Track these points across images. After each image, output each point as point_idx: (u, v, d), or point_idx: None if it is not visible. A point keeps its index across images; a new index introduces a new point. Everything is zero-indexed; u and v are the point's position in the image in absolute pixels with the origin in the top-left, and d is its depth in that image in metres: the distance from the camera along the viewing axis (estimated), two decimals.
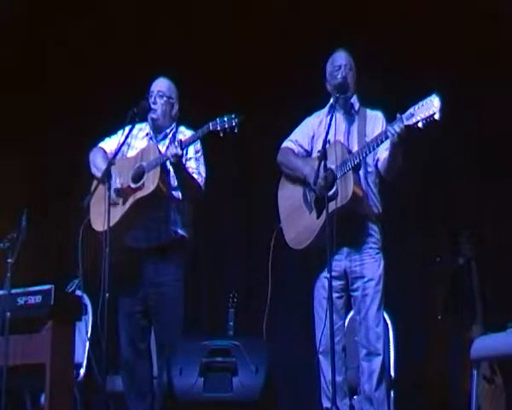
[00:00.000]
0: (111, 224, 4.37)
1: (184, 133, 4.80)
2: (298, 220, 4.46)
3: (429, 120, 4.05)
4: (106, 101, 6.25)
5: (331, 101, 4.55)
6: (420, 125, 4.08)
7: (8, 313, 4.47)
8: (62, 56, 6.48)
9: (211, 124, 4.53)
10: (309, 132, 4.60)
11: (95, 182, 4.71)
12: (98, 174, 4.64)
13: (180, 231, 4.75)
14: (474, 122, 5.66)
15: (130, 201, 4.63)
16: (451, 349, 5.31)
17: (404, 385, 5.08)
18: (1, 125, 6.21)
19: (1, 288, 4.58)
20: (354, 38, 5.37)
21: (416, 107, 4.09)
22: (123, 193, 4.63)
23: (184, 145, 4.57)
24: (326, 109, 4.59)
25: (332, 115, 4.36)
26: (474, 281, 5.26)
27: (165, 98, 4.85)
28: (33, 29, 6.46)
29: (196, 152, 4.81)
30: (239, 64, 6.22)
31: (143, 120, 4.82)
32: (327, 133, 4.29)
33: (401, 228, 5.56)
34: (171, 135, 4.85)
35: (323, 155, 4.21)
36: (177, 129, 4.87)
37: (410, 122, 4.10)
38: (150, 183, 4.60)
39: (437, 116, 4.02)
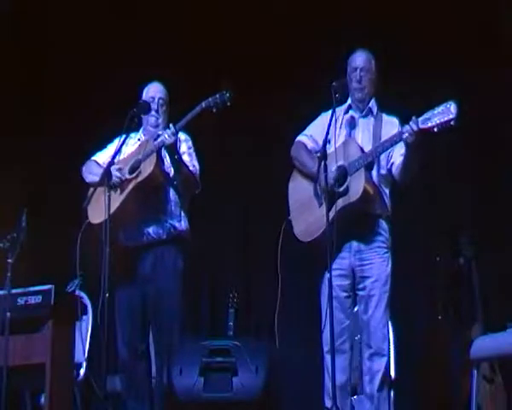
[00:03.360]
0: (110, 212, 4.39)
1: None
2: (308, 213, 4.45)
3: (445, 126, 4.07)
4: (106, 102, 6.26)
5: (349, 101, 4.54)
6: (435, 130, 4.09)
7: (9, 313, 4.46)
8: (62, 57, 6.48)
9: (203, 102, 4.60)
10: (324, 127, 4.58)
11: (91, 189, 4.70)
12: (96, 179, 4.63)
13: (178, 226, 4.76)
14: (474, 122, 5.65)
15: (130, 187, 4.65)
16: (451, 349, 5.31)
17: (404, 385, 5.08)
18: (1, 125, 6.21)
19: (1, 288, 4.58)
20: (360, 36, 5.36)
21: (434, 112, 4.10)
22: (121, 186, 4.65)
23: (179, 128, 4.60)
24: (344, 107, 4.57)
25: (332, 116, 4.34)
26: (474, 281, 5.26)
27: (165, 107, 4.87)
28: (33, 31, 6.47)
29: (189, 148, 4.83)
30: (239, 62, 6.22)
31: (139, 127, 4.84)
32: (327, 133, 4.29)
33: (401, 228, 5.54)
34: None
35: (323, 155, 4.21)
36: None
37: (426, 126, 4.11)
38: (147, 168, 4.63)
39: (453, 123, 4.04)
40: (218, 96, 4.59)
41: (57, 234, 6.21)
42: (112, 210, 4.43)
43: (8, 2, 6.29)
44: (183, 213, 4.80)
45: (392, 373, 4.81)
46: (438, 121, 4.07)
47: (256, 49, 6.20)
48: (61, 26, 6.49)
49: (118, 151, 4.61)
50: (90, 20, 6.45)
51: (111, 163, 4.52)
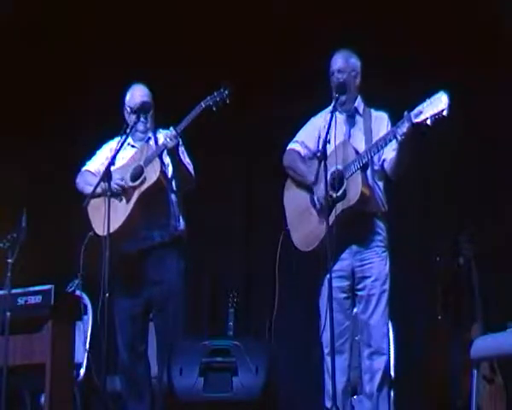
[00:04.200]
0: (117, 225, 4.43)
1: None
2: (306, 222, 4.44)
3: (438, 117, 4.06)
4: (106, 102, 6.24)
5: (333, 103, 4.54)
6: (428, 122, 4.08)
7: (8, 313, 4.47)
8: (62, 55, 6.48)
9: (202, 102, 4.58)
10: (314, 133, 4.57)
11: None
12: (98, 189, 4.61)
13: (178, 226, 4.77)
14: (474, 122, 5.65)
15: (135, 196, 4.62)
16: (451, 349, 5.31)
17: (404, 385, 5.08)
18: (1, 126, 6.21)
19: (1, 288, 4.58)
20: (361, 36, 5.36)
21: (425, 104, 4.09)
22: (125, 194, 4.63)
23: (180, 130, 4.57)
24: (329, 109, 4.56)
25: (332, 116, 4.35)
26: (474, 281, 5.26)
27: (151, 110, 4.85)
28: (33, 35, 6.47)
29: (180, 146, 4.78)
30: (241, 58, 6.22)
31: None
32: (327, 134, 4.29)
33: (401, 228, 5.55)
34: (153, 138, 4.85)
35: (323, 155, 4.21)
36: (155, 132, 4.87)
37: (419, 119, 4.10)
38: (152, 174, 4.60)
39: (445, 113, 4.03)
40: (216, 94, 4.57)
41: (57, 234, 6.22)
42: (120, 221, 4.50)
43: (10, 4, 6.29)
44: (180, 212, 4.82)
45: (392, 373, 4.81)
46: (431, 113, 4.06)
47: (256, 49, 6.21)
48: (61, 26, 6.49)
49: (118, 151, 4.59)
50: (90, 21, 6.46)
51: (111, 163, 4.51)
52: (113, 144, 4.80)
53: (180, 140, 4.74)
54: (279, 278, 4.51)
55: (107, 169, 4.44)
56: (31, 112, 6.44)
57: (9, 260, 4.58)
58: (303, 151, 4.58)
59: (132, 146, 4.85)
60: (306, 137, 4.60)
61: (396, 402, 4.80)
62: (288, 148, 4.64)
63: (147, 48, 6.33)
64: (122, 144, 4.60)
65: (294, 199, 4.55)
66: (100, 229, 4.53)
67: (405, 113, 4.16)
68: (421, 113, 4.10)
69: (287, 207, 4.58)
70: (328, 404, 4.28)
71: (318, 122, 4.59)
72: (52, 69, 6.51)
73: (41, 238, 5.81)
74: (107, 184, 4.39)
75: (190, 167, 4.80)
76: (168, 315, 4.69)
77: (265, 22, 6.21)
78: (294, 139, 4.65)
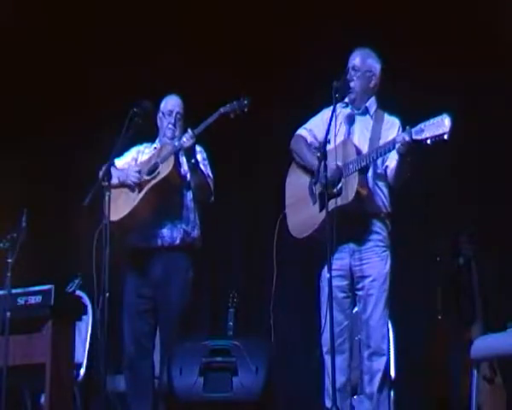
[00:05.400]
0: (126, 211, 4.59)
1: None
2: (302, 210, 4.46)
3: (438, 139, 4.05)
4: (106, 100, 6.26)
5: (347, 99, 4.54)
6: (428, 142, 4.08)
7: (9, 313, 4.47)
8: (61, 56, 6.48)
9: (222, 108, 4.67)
10: (324, 123, 4.54)
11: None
12: (116, 181, 4.70)
13: (191, 233, 4.83)
14: (474, 122, 5.65)
15: (146, 188, 4.72)
16: (451, 349, 5.31)
17: (404, 385, 5.07)
18: (1, 125, 6.21)
19: (1, 288, 4.58)
20: (360, 36, 5.35)
21: (427, 123, 4.09)
22: (139, 186, 4.74)
23: (197, 132, 4.65)
24: (341, 104, 4.55)
25: (332, 116, 4.34)
26: (474, 281, 5.26)
27: (181, 120, 4.93)
28: (33, 31, 6.47)
29: (204, 159, 4.91)
30: (249, 51, 6.22)
31: (155, 137, 4.95)
32: (327, 134, 4.30)
33: (401, 228, 5.54)
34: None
35: (323, 155, 4.21)
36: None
37: (419, 137, 4.10)
38: (164, 169, 4.71)
39: (446, 137, 4.02)
40: (235, 102, 4.67)
41: (57, 234, 6.22)
42: (129, 209, 4.63)
43: (10, 4, 6.29)
44: (197, 221, 4.87)
45: (392, 373, 4.81)
46: (431, 134, 4.05)
47: (256, 50, 6.22)
48: (61, 26, 6.49)
49: (118, 151, 4.60)
50: (92, 22, 6.46)
51: (111, 164, 4.53)
52: (140, 147, 4.98)
53: (205, 154, 4.89)
54: (277, 274, 4.51)
55: (107, 169, 4.46)
56: (31, 111, 6.44)
57: (9, 260, 4.58)
58: (309, 139, 4.59)
59: None
60: (315, 127, 4.60)
61: (396, 402, 4.79)
62: (296, 133, 4.66)
63: (146, 48, 6.33)
64: (123, 144, 4.63)
65: (295, 185, 4.57)
66: (112, 216, 4.55)
67: (407, 127, 4.17)
68: (422, 131, 4.10)
69: (287, 192, 4.60)
70: (328, 404, 4.28)
71: (329, 113, 4.56)
72: (52, 69, 6.51)
73: (41, 238, 5.81)
74: (106, 183, 4.41)
75: (209, 179, 4.86)
76: (171, 322, 4.74)
77: (266, 24, 6.22)
78: (304, 126, 4.66)
